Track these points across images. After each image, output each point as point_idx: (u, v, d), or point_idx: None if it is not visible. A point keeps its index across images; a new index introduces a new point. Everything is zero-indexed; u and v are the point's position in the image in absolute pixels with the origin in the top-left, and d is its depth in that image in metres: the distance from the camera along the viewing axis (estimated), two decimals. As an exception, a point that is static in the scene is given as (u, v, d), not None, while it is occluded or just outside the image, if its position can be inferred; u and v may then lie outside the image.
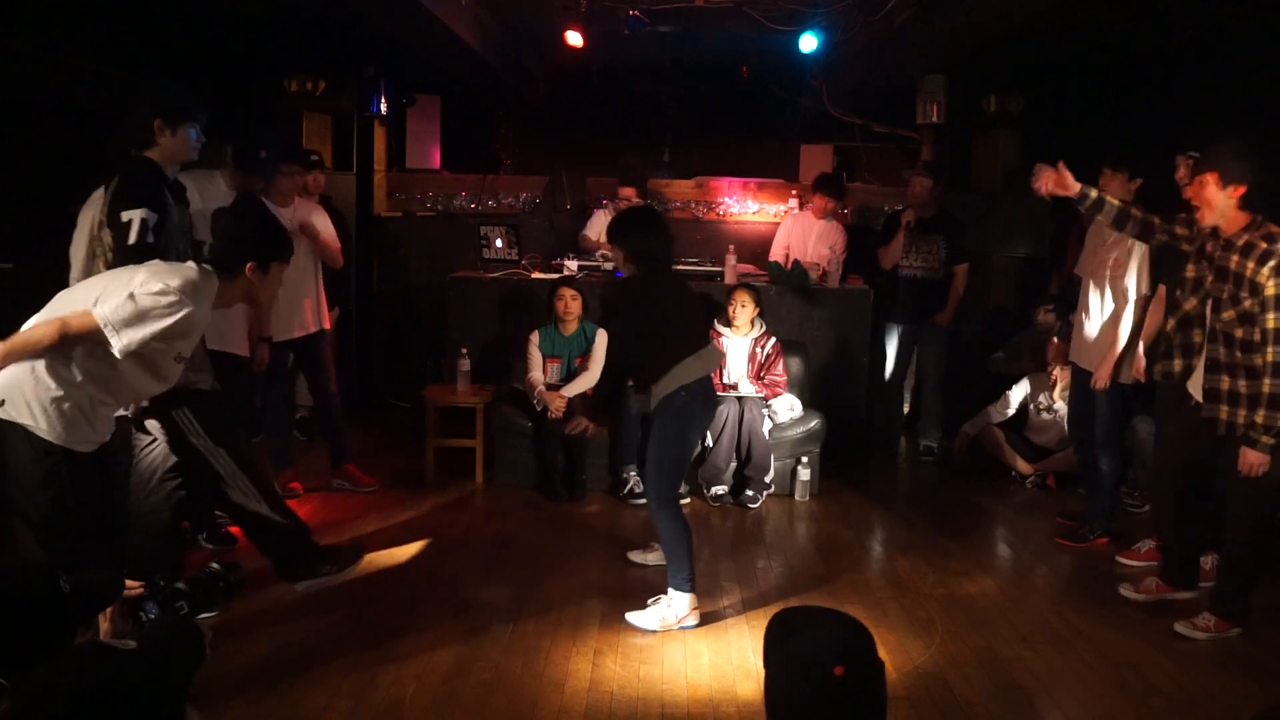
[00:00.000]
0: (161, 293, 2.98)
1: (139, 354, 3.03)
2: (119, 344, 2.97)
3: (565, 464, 5.67)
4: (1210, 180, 3.73)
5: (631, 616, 3.95)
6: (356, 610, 4.00)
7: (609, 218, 6.80)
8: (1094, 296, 4.86)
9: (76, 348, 2.98)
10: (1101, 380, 4.75)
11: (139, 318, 2.96)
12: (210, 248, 3.60)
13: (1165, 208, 4.25)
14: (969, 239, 6.65)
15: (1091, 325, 4.87)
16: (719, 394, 5.64)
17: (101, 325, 2.94)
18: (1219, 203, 3.73)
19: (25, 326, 3.06)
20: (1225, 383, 3.82)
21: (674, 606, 3.94)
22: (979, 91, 7.49)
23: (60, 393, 2.98)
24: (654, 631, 3.88)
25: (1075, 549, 4.99)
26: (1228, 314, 3.75)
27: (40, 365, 2.96)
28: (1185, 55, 6.23)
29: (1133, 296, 4.70)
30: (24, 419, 2.96)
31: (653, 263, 4.02)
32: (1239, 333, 3.73)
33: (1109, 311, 4.78)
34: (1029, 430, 6.24)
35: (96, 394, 3.06)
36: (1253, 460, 3.73)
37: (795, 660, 1.68)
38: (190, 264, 3.19)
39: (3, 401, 2.96)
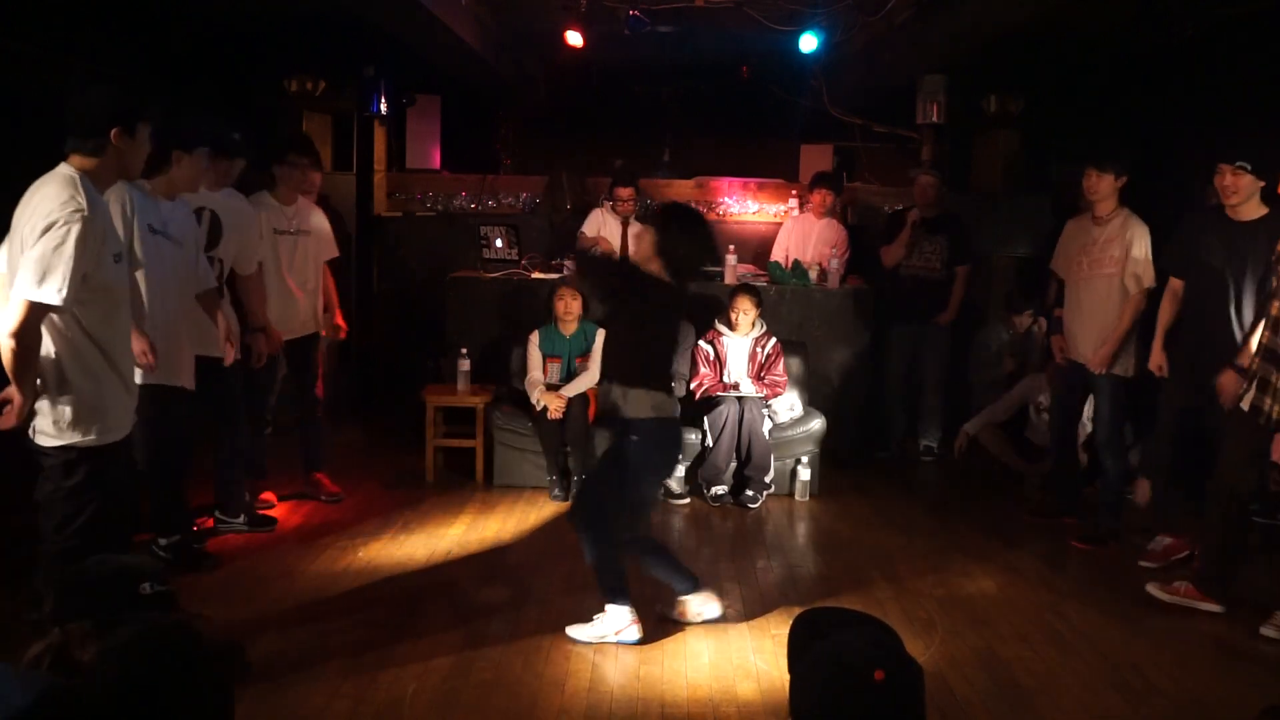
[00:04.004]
0: (48, 228, 2.82)
1: (88, 280, 2.89)
2: (54, 297, 2.81)
3: (565, 464, 5.67)
4: None
5: (573, 630, 3.76)
6: (357, 610, 4.00)
7: (605, 216, 6.83)
8: (1091, 293, 4.92)
9: (42, 332, 2.89)
10: (1098, 363, 4.80)
11: (44, 262, 2.80)
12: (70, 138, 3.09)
13: (1153, 203, 4.28)
14: (971, 239, 6.66)
15: (1089, 322, 4.91)
16: (719, 394, 5.68)
17: (31, 299, 2.80)
18: None
19: None
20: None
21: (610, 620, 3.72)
22: (979, 91, 7.48)
23: (76, 384, 2.97)
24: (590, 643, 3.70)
25: (1089, 550, 4.97)
26: None
27: (43, 375, 2.95)
28: (1185, 55, 6.23)
29: (1139, 289, 4.77)
30: (62, 440, 2.97)
31: (682, 275, 3.67)
32: None
33: (1113, 306, 4.85)
34: (1029, 430, 6.23)
35: (101, 355, 3.03)
36: None
37: (829, 663, 1.57)
38: (51, 174, 2.97)
39: (34, 431, 2.99)
